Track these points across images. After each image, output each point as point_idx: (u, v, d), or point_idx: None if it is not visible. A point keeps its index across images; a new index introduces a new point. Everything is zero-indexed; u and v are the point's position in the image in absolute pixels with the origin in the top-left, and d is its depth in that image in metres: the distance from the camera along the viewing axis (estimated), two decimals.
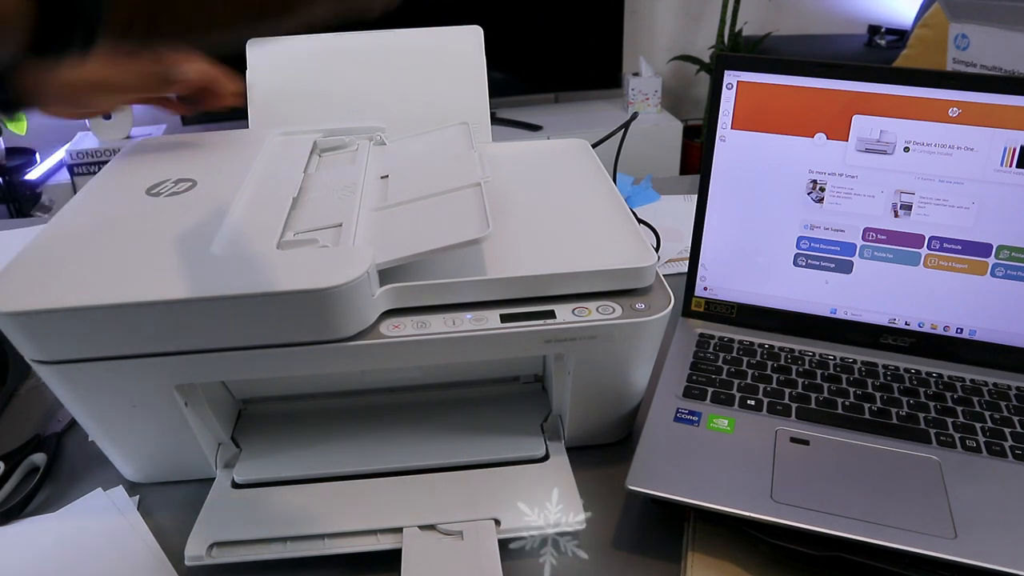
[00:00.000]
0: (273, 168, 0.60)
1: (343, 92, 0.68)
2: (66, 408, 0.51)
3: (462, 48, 0.76)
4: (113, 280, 0.45)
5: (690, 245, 0.65)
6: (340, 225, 0.53)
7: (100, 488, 0.57)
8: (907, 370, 0.60)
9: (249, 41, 0.76)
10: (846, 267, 0.62)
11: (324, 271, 0.45)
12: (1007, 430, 0.54)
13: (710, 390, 0.57)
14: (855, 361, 0.61)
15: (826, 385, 0.58)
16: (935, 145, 0.57)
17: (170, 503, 0.56)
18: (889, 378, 0.59)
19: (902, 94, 0.57)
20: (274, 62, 0.75)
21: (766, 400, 0.56)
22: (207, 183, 0.57)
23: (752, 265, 0.64)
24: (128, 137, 2.22)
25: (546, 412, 0.60)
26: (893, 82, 0.57)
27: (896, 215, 0.60)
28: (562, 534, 0.52)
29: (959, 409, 0.55)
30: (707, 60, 2.61)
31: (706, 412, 0.55)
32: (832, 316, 0.63)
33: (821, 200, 0.61)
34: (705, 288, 0.66)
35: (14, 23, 0.32)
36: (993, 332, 0.60)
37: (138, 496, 0.56)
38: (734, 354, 0.61)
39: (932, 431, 0.53)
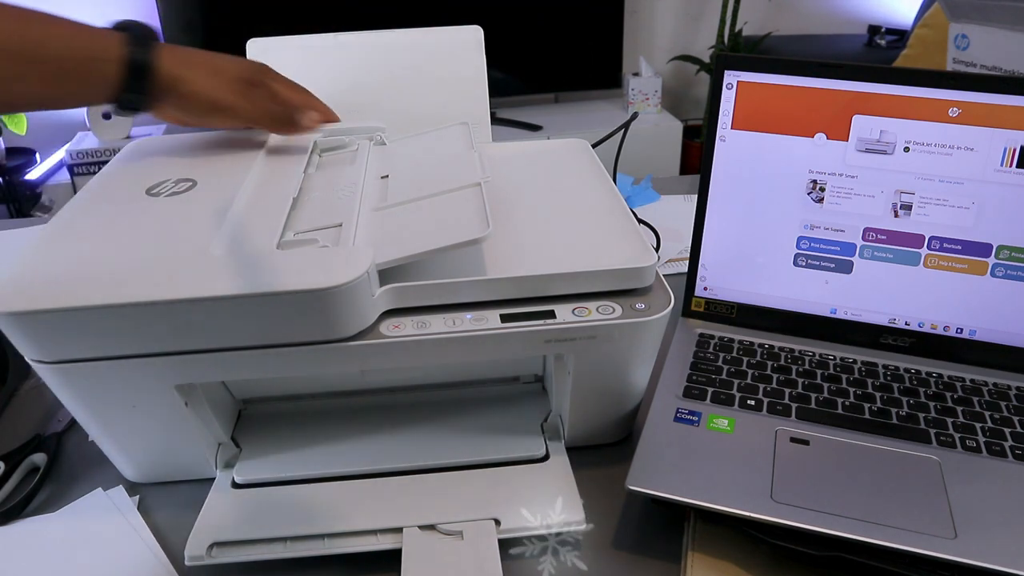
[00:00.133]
0: (273, 168, 0.60)
1: (343, 92, 0.68)
2: (66, 408, 0.51)
3: (462, 48, 0.76)
4: (113, 280, 0.45)
5: (690, 245, 0.65)
6: (340, 225, 0.53)
7: (100, 488, 0.57)
8: (907, 370, 0.60)
9: (249, 41, 0.76)
10: (846, 267, 0.62)
11: (324, 271, 0.45)
12: (1007, 430, 0.54)
13: (710, 390, 0.57)
14: (855, 361, 0.61)
15: (826, 385, 0.58)
16: (935, 145, 0.57)
17: (170, 503, 0.56)
18: (889, 378, 0.59)
19: (902, 94, 0.57)
20: (274, 62, 0.75)
21: (766, 400, 0.56)
22: (207, 183, 0.57)
23: (752, 265, 0.64)
24: (128, 137, 2.22)
25: (546, 412, 0.60)
26: (893, 82, 0.57)
27: (896, 215, 0.60)
28: (562, 534, 0.52)
29: (959, 409, 0.55)
30: (707, 60, 2.61)
31: (706, 412, 0.55)
32: (832, 316, 0.63)
33: (821, 200, 0.61)
34: (705, 288, 0.66)
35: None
36: (993, 332, 0.60)
37: (138, 496, 0.56)
38: (734, 354, 0.61)
39: (932, 431, 0.53)
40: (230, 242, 0.49)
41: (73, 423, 0.63)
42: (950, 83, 0.56)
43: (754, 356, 0.61)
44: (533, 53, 2.47)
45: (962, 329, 0.61)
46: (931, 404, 0.56)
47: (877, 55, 2.45)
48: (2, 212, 2.14)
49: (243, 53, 0.75)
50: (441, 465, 0.55)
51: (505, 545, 0.50)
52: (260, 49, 0.76)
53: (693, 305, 0.66)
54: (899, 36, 2.48)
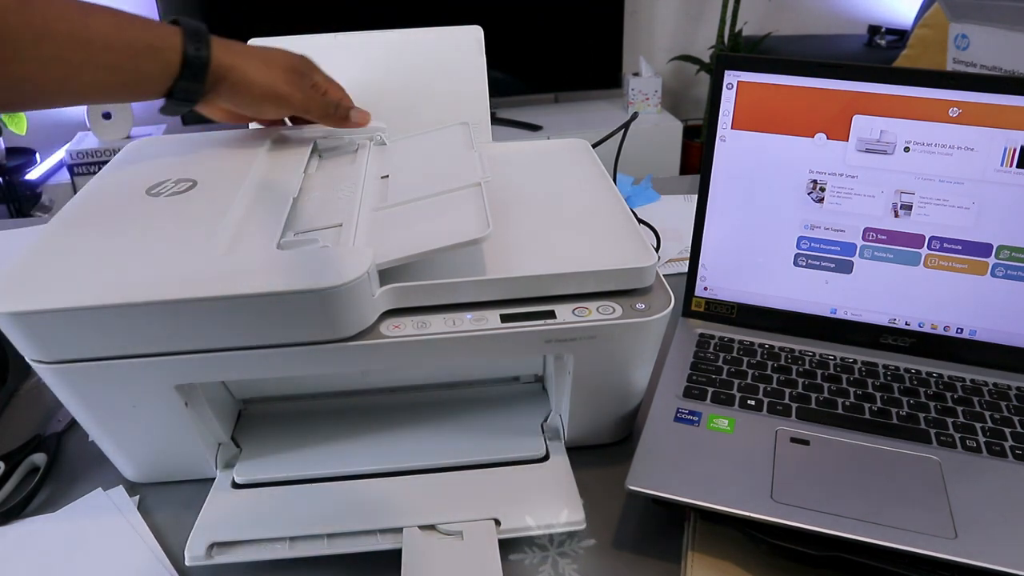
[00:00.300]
0: (273, 168, 0.60)
1: None
2: (66, 408, 0.51)
3: (462, 48, 0.76)
4: (113, 280, 0.45)
5: (690, 245, 0.65)
6: (340, 225, 0.53)
7: (100, 488, 0.57)
8: (907, 370, 0.60)
9: (249, 41, 0.76)
10: (846, 267, 0.62)
11: (324, 271, 0.45)
12: (1007, 430, 0.54)
13: (710, 390, 0.57)
14: (855, 361, 0.61)
15: (826, 385, 0.58)
16: (935, 145, 0.57)
17: (170, 503, 0.56)
18: (889, 378, 0.59)
19: (902, 94, 0.57)
20: None
21: (766, 400, 0.56)
22: (207, 183, 0.57)
23: (752, 265, 0.64)
24: (128, 137, 2.22)
25: (546, 412, 0.60)
26: (893, 82, 0.57)
27: (896, 215, 0.60)
28: (562, 534, 0.52)
29: (959, 409, 0.55)
30: (707, 60, 2.61)
31: (706, 412, 0.55)
32: (832, 316, 0.63)
33: (821, 200, 0.61)
34: (705, 288, 0.66)
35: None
36: (993, 332, 0.60)
37: (138, 496, 0.56)
38: (734, 354, 0.61)
39: (932, 431, 0.53)
40: (230, 242, 0.49)
41: (73, 423, 0.63)
42: (950, 83, 0.56)
43: (754, 356, 0.61)
44: (533, 53, 2.47)
45: (962, 329, 0.61)
46: (931, 404, 0.56)
47: (877, 55, 2.45)
48: (2, 212, 2.14)
49: None
50: (441, 465, 0.55)
51: (505, 545, 0.50)
52: None
53: (693, 305, 0.66)
54: (899, 36, 2.48)
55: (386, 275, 0.49)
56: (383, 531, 0.50)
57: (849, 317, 0.63)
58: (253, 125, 0.74)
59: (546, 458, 0.56)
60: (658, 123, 2.44)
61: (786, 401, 0.56)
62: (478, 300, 0.50)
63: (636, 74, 2.48)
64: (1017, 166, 0.56)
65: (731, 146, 0.62)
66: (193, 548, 0.49)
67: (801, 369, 0.60)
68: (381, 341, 0.48)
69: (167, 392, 0.49)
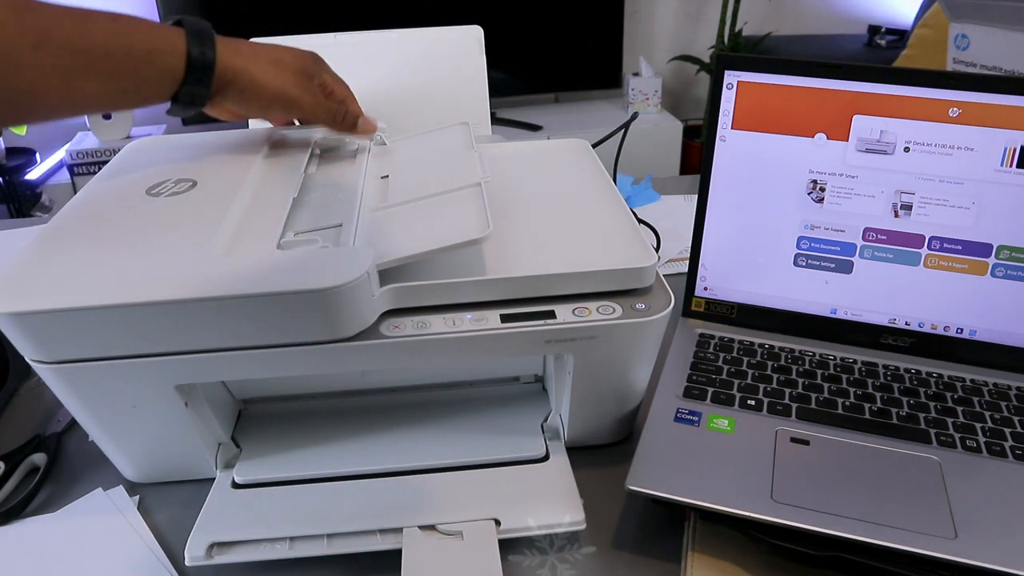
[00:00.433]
0: (273, 168, 0.60)
1: None
2: (66, 408, 0.51)
3: (462, 48, 0.76)
4: (113, 280, 0.45)
5: (690, 245, 0.65)
6: (340, 225, 0.53)
7: (100, 488, 0.57)
8: (907, 370, 0.60)
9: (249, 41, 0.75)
10: (846, 267, 0.62)
11: (324, 271, 0.45)
12: (1007, 430, 0.54)
13: (710, 390, 0.57)
14: (855, 361, 0.61)
15: (826, 385, 0.58)
16: (935, 145, 0.57)
17: (170, 503, 0.56)
18: (889, 378, 0.59)
19: (902, 94, 0.57)
20: None
21: (766, 400, 0.56)
22: (207, 183, 0.57)
23: (752, 265, 0.64)
24: (128, 137, 2.22)
25: (546, 412, 0.60)
26: (893, 82, 0.57)
27: (896, 215, 0.60)
28: (562, 534, 0.52)
29: (959, 409, 0.55)
30: (707, 60, 2.61)
31: (706, 412, 0.55)
32: (832, 316, 0.63)
33: (821, 200, 0.61)
34: (705, 288, 0.66)
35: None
36: (993, 332, 0.60)
37: (138, 496, 0.56)
38: (734, 354, 0.61)
39: (932, 431, 0.53)
40: (230, 242, 0.49)
41: (73, 423, 0.63)
42: (950, 83, 0.56)
43: (754, 356, 0.61)
44: (533, 53, 2.47)
45: (962, 329, 0.61)
46: (931, 404, 0.56)
47: (877, 55, 2.45)
48: (2, 212, 2.14)
49: None
50: (441, 465, 0.55)
51: (505, 545, 0.50)
52: None
53: (693, 305, 0.66)
54: (899, 36, 2.48)
55: (386, 275, 0.49)
56: (383, 531, 0.50)
57: (849, 317, 0.63)
58: (253, 123, 0.74)
59: (546, 458, 0.56)
60: (658, 123, 2.44)
61: (786, 401, 0.56)
62: (478, 300, 0.50)
63: (636, 74, 2.48)
64: (1017, 166, 0.56)
65: (731, 146, 0.62)
66: (193, 548, 0.49)
67: (801, 369, 0.60)
68: (381, 341, 0.48)
69: (167, 392, 0.49)
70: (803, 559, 0.47)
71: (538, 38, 2.45)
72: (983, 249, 0.58)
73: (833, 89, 0.58)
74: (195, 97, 0.54)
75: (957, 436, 0.53)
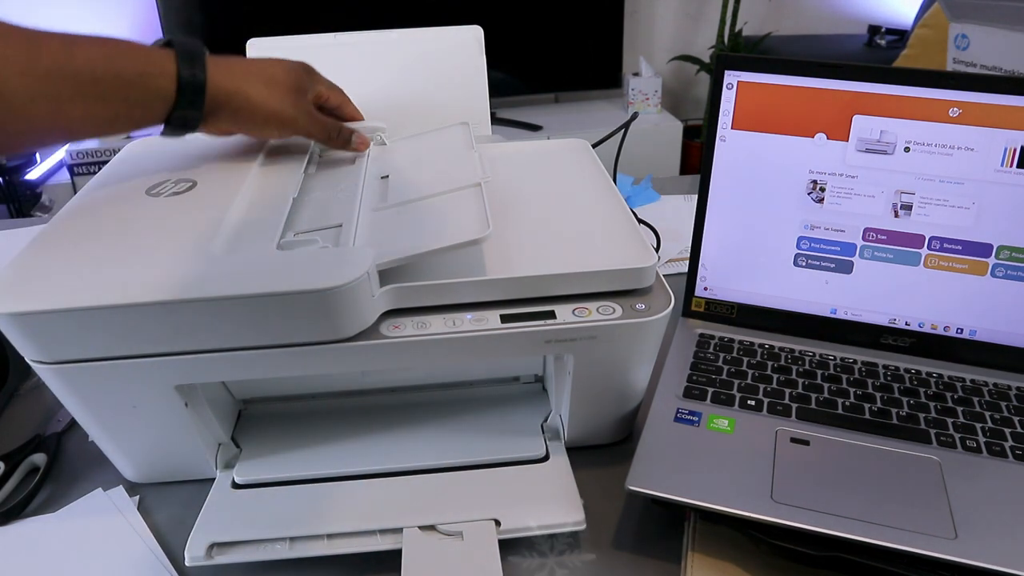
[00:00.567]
0: (273, 168, 0.60)
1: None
2: (66, 408, 0.51)
3: (462, 48, 0.76)
4: (113, 280, 0.45)
5: (690, 245, 0.65)
6: (340, 225, 0.53)
7: (100, 488, 0.57)
8: (907, 370, 0.60)
9: (249, 41, 0.76)
10: (846, 267, 0.62)
11: (324, 271, 0.45)
12: (1007, 430, 0.54)
13: (710, 390, 0.57)
14: (855, 361, 0.61)
15: (826, 385, 0.58)
16: (935, 145, 0.57)
17: (170, 503, 0.56)
18: (889, 378, 0.59)
19: (902, 94, 0.57)
20: None
21: (766, 400, 0.56)
22: (207, 183, 0.57)
23: (752, 265, 0.64)
24: (128, 137, 2.22)
25: (546, 412, 0.60)
26: (893, 82, 0.57)
27: (896, 215, 0.60)
28: (562, 535, 0.52)
29: (959, 409, 0.55)
30: (707, 60, 2.61)
31: (706, 412, 0.55)
32: (832, 316, 0.63)
33: (821, 200, 0.61)
34: (705, 288, 0.66)
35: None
36: (993, 332, 0.60)
37: (138, 496, 0.56)
38: (734, 354, 0.61)
39: (932, 431, 0.53)
40: (230, 242, 0.49)
41: (73, 423, 0.63)
42: (950, 83, 0.56)
43: (754, 356, 0.61)
44: (533, 53, 2.47)
45: (962, 329, 0.61)
46: (931, 404, 0.56)
47: (877, 55, 2.45)
48: (2, 212, 2.14)
49: (243, 53, 0.75)
50: (441, 465, 0.55)
51: (505, 545, 0.50)
52: (260, 49, 0.76)
53: (693, 305, 0.66)
54: (899, 36, 2.48)
55: (386, 275, 0.49)
56: (383, 531, 0.50)
57: (849, 317, 0.63)
58: None
59: (546, 458, 0.56)
60: (658, 123, 2.44)
61: (786, 401, 0.56)
62: (478, 300, 0.50)
63: (636, 74, 2.48)
64: (1017, 166, 0.56)
65: (731, 146, 0.62)
66: (193, 548, 0.49)
67: (801, 369, 0.60)
68: (381, 341, 0.48)
69: (167, 392, 0.49)
70: (803, 559, 0.47)
71: (538, 38, 2.45)
72: (983, 249, 0.58)
73: (833, 89, 0.58)
74: (187, 120, 0.54)
75: (957, 436, 0.53)
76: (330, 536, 0.50)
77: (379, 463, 0.55)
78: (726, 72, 0.60)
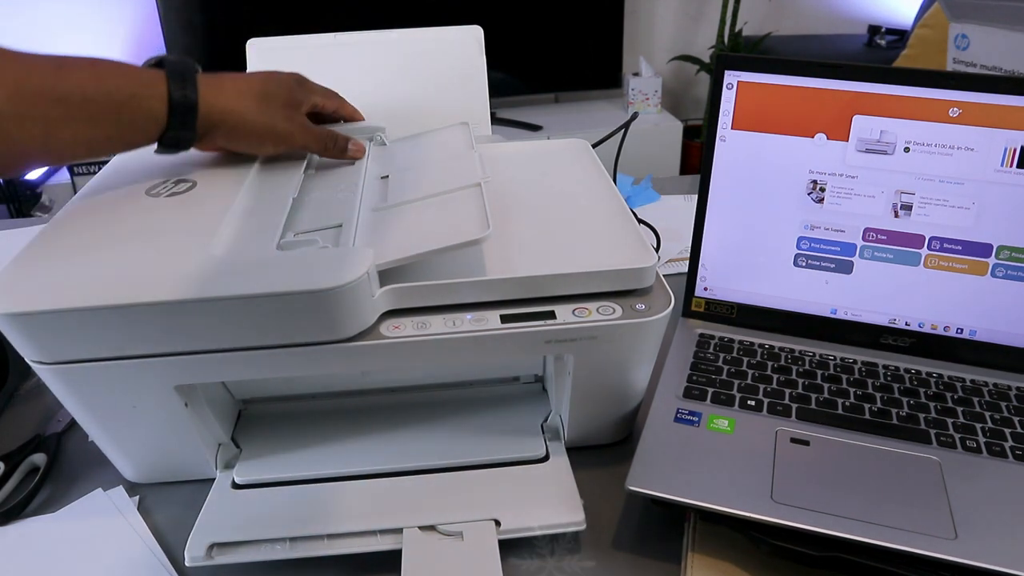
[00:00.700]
0: (273, 168, 0.60)
1: (343, 92, 0.68)
2: (66, 408, 0.51)
3: (462, 48, 0.76)
4: (113, 280, 0.45)
5: (690, 245, 0.65)
6: (340, 226, 0.53)
7: (100, 488, 0.57)
8: (907, 370, 0.60)
9: (249, 41, 0.76)
10: (846, 267, 0.62)
11: (324, 272, 0.45)
12: (1007, 430, 0.53)
13: (710, 390, 0.57)
14: (855, 361, 0.61)
15: (826, 385, 0.58)
16: (935, 145, 0.57)
17: (170, 503, 0.56)
18: (889, 378, 0.59)
19: (902, 94, 0.57)
20: (274, 62, 0.75)
21: (766, 400, 0.56)
22: (207, 183, 0.57)
23: (752, 265, 0.64)
24: None
25: (546, 412, 0.60)
26: (893, 82, 0.57)
27: (896, 215, 0.60)
28: (562, 534, 0.52)
29: (959, 409, 0.55)
30: (707, 60, 2.61)
31: (706, 412, 0.55)
32: (832, 316, 0.63)
33: (821, 200, 0.61)
34: (705, 288, 0.66)
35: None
36: (993, 332, 0.60)
37: (138, 496, 0.56)
38: (734, 354, 0.61)
39: (932, 431, 0.53)
40: (230, 243, 0.49)
41: (73, 423, 0.63)
42: (950, 83, 0.56)
43: (754, 356, 0.61)
44: (533, 53, 2.47)
45: (962, 329, 0.61)
46: (931, 404, 0.56)
47: (877, 55, 2.45)
48: (2, 212, 2.14)
49: (243, 53, 0.75)
50: (441, 465, 0.55)
51: (505, 545, 0.50)
52: (260, 49, 0.76)
53: (693, 305, 0.66)
54: (899, 36, 2.48)
55: (386, 276, 0.48)
56: (383, 531, 0.50)
57: (849, 317, 0.63)
58: None
59: (546, 458, 0.56)
60: (658, 123, 2.44)
61: (786, 401, 0.56)
62: (478, 300, 0.50)
63: (636, 74, 2.48)
64: (1017, 166, 0.56)
65: (731, 146, 0.62)
66: (193, 548, 0.49)
67: (801, 369, 0.60)
68: (381, 342, 0.48)
69: (167, 393, 0.49)
70: (803, 559, 0.47)
71: (538, 38, 2.45)
72: (983, 249, 0.58)
73: (833, 89, 0.58)
74: (180, 140, 0.54)
75: (957, 436, 0.53)
76: (330, 536, 0.50)
77: (379, 463, 0.55)
78: (726, 72, 0.60)
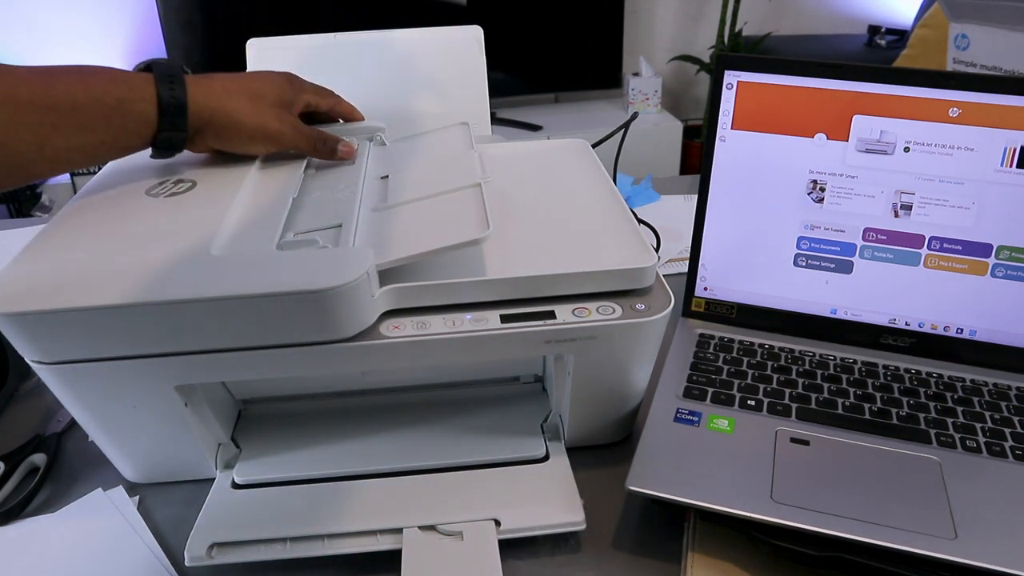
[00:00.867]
0: (273, 168, 0.60)
1: (343, 92, 0.68)
2: (66, 408, 0.51)
3: (462, 48, 0.76)
4: (113, 280, 0.45)
5: (690, 245, 0.65)
6: (340, 226, 0.53)
7: (100, 488, 0.57)
8: (907, 370, 0.60)
9: (249, 41, 0.76)
10: (846, 267, 0.62)
11: (324, 271, 0.45)
12: (1007, 430, 0.54)
13: (710, 390, 0.57)
14: (855, 361, 0.61)
15: (826, 385, 0.58)
16: (935, 145, 0.57)
17: (170, 503, 0.56)
18: (889, 378, 0.59)
19: (902, 94, 0.57)
20: (274, 62, 0.75)
21: (766, 400, 0.56)
22: (207, 183, 0.57)
23: (752, 265, 0.64)
24: None
25: (546, 412, 0.60)
26: (893, 82, 0.57)
27: (896, 215, 0.60)
28: (562, 534, 0.52)
29: (959, 409, 0.55)
30: (707, 60, 2.61)
31: (706, 412, 0.55)
32: (832, 316, 0.63)
33: (821, 200, 0.61)
34: (705, 288, 0.66)
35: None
36: (993, 332, 0.60)
37: (138, 496, 0.56)
38: (734, 354, 0.61)
39: (932, 431, 0.53)
40: (230, 242, 0.49)
41: (73, 423, 0.63)
42: (950, 83, 0.56)
43: (754, 356, 0.61)
44: (533, 53, 2.47)
45: (962, 329, 0.61)
46: (931, 404, 0.56)
47: (877, 55, 2.45)
48: (2, 212, 2.14)
49: (243, 53, 0.75)
50: (441, 465, 0.55)
51: (505, 545, 0.50)
52: (260, 49, 0.76)
53: (693, 305, 0.66)
54: (899, 36, 2.48)
55: (386, 275, 0.49)
56: (383, 531, 0.50)
57: (849, 317, 0.63)
58: None
59: (546, 458, 0.56)
60: (658, 123, 2.44)
61: (786, 401, 0.56)
62: (478, 300, 0.50)
63: (636, 74, 2.48)
64: (1017, 166, 0.56)
65: (731, 146, 0.62)
66: (193, 548, 0.49)
67: (801, 369, 0.60)
68: (381, 341, 0.48)
69: (167, 393, 0.49)
70: (803, 559, 0.47)
71: (538, 38, 2.45)
72: (983, 249, 0.58)
73: (833, 89, 0.58)
74: (173, 141, 0.54)
75: (957, 436, 0.53)
76: (330, 536, 0.50)
77: (379, 463, 0.55)
78: (726, 72, 0.60)
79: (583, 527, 0.50)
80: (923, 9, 1.83)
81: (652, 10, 2.68)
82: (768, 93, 0.60)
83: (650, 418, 0.54)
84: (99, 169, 0.62)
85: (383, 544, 0.49)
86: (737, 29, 2.43)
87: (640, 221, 0.76)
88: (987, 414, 0.55)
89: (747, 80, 0.60)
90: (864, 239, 0.61)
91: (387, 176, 0.61)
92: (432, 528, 0.50)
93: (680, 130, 2.45)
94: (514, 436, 0.58)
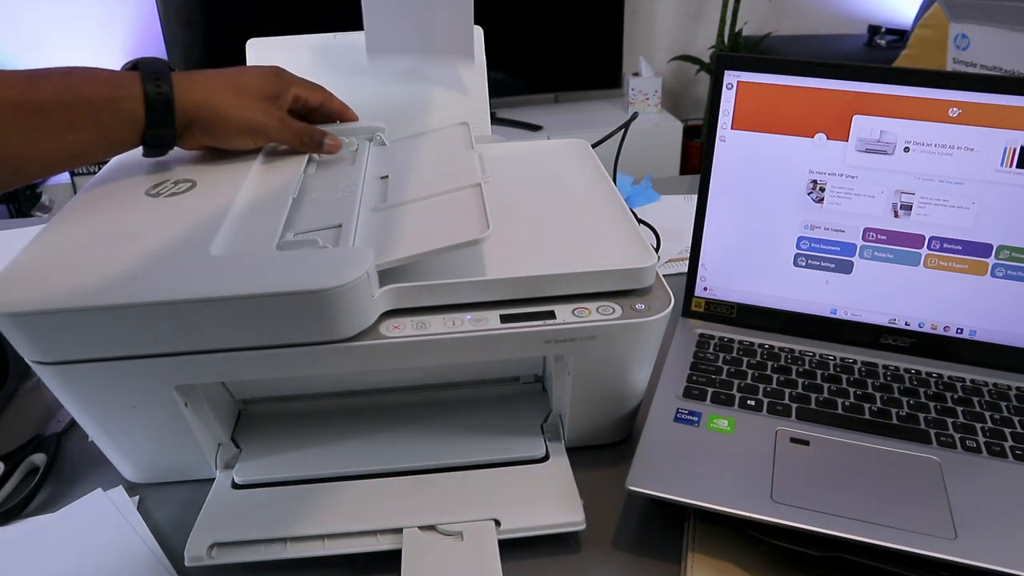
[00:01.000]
0: (273, 168, 0.60)
1: (343, 92, 0.68)
2: (66, 408, 0.51)
3: None
4: (113, 281, 0.45)
5: (690, 245, 0.65)
6: (340, 226, 0.53)
7: (100, 488, 0.57)
8: (907, 370, 0.60)
9: (249, 41, 0.76)
10: (846, 267, 0.62)
11: (324, 272, 0.45)
12: (1007, 430, 0.54)
13: (710, 390, 0.57)
14: (855, 361, 0.61)
15: (826, 385, 0.58)
16: (935, 145, 0.57)
17: (170, 503, 0.56)
18: (889, 378, 0.59)
19: (902, 94, 0.57)
20: (274, 62, 0.75)
21: (766, 400, 0.56)
22: (207, 183, 0.57)
23: (752, 265, 0.64)
24: None
25: (546, 412, 0.60)
26: (893, 82, 0.57)
27: (896, 215, 0.60)
28: (562, 534, 0.52)
29: (959, 409, 0.55)
30: (707, 60, 2.61)
31: (706, 412, 0.55)
32: (832, 316, 0.63)
33: (821, 200, 0.61)
34: (705, 288, 0.66)
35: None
36: (993, 332, 0.60)
37: (138, 496, 0.56)
38: (734, 354, 0.61)
39: (932, 431, 0.53)
40: (230, 243, 0.49)
41: (73, 423, 0.63)
42: (950, 83, 0.56)
43: (754, 356, 0.61)
44: (533, 53, 2.47)
45: (962, 329, 0.61)
46: (931, 404, 0.56)
47: (877, 55, 2.45)
48: (2, 212, 2.14)
49: (243, 53, 0.75)
50: (441, 465, 0.55)
51: (505, 545, 0.50)
52: (260, 49, 0.76)
53: (693, 305, 0.66)
54: (899, 36, 2.48)
55: (386, 276, 0.49)
56: (383, 531, 0.50)
57: (849, 317, 0.63)
58: None
59: (546, 458, 0.56)
60: (658, 123, 2.44)
61: (786, 401, 0.56)
62: (478, 300, 0.50)
63: (636, 74, 2.48)
64: (1017, 166, 0.56)
65: (731, 146, 0.62)
66: (193, 548, 0.49)
67: (801, 369, 0.60)
68: (381, 342, 0.48)
69: (167, 393, 0.49)
70: (803, 559, 0.47)
71: (538, 38, 2.45)
72: (983, 249, 0.58)
73: (833, 89, 0.58)
74: (162, 138, 0.55)
75: (957, 436, 0.53)
76: (330, 536, 0.50)
77: (379, 463, 0.55)
78: (726, 72, 0.60)
79: (583, 527, 0.50)
80: (923, 9, 1.83)
81: (652, 10, 2.68)
82: (768, 93, 0.60)
83: (650, 418, 0.54)
84: (99, 169, 0.62)
85: (383, 544, 0.49)
86: (737, 29, 2.44)
87: (640, 221, 0.76)
88: (987, 414, 0.55)
89: (747, 80, 0.60)
90: (864, 239, 0.61)
91: (387, 176, 0.61)
92: (432, 528, 0.50)
93: (680, 130, 2.45)
94: (514, 436, 0.58)
